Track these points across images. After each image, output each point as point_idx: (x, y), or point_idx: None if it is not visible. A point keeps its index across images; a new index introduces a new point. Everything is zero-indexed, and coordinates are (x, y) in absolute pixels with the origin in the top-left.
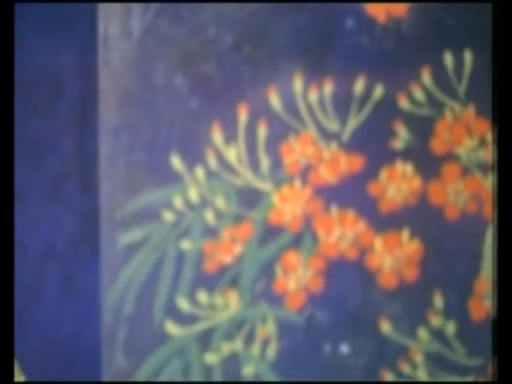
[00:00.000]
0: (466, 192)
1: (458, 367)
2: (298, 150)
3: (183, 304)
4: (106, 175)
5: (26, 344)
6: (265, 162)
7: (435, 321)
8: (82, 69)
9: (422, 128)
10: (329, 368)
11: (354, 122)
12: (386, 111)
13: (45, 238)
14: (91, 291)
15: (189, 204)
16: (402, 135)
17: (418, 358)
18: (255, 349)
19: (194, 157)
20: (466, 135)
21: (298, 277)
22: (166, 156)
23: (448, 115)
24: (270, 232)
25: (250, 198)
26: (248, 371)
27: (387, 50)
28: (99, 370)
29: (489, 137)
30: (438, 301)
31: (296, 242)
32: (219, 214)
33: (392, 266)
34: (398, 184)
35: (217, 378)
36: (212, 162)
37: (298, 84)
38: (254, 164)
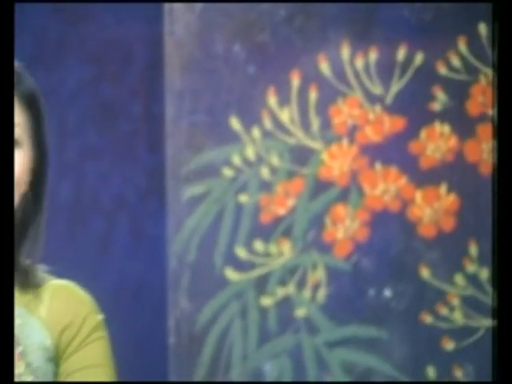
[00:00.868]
0: None
1: (491, 309)
2: (345, 112)
3: (241, 252)
4: (171, 135)
5: (99, 288)
6: (315, 122)
7: (470, 267)
8: (150, 39)
9: (459, 92)
10: (373, 310)
11: (396, 86)
12: (426, 77)
13: (116, 192)
14: (158, 240)
15: (246, 161)
16: (440, 98)
17: (455, 301)
18: (306, 293)
19: (250, 118)
20: None
21: (345, 227)
22: (226, 117)
23: (482, 80)
24: (319, 186)
25: (302, 156)
26: (300, 313)
27: (427, 20)
28: (165, 312)
29: None
30: (473, 249)
31: (343, 195)
32: (274, 170)
33: (431, 217)
34: (436, 143)
35: (271, 319)
36: (267, 122)
37: (345, 52)
38: (306, 125)
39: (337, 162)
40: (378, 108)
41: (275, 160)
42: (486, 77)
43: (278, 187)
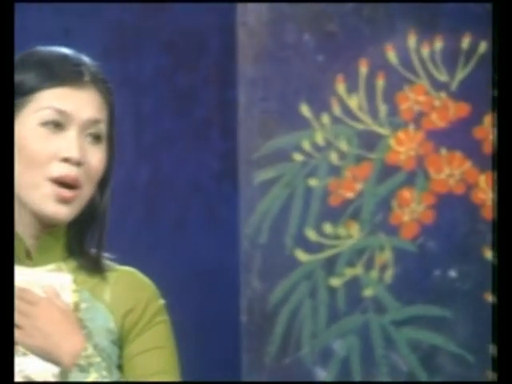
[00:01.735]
0: None
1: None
2: (412, 99)
3: (311, 234)
4: (243, 121)
5: (174, 270)
6: (383, 109)
7: None
8: (223, 28)
9: None
10: (438, 291)
11: (461, 74)
12: (490, 65)
13: (191, 176)
14: (231, 222)
15: (316, 146)
16: None
17: None
18: (374, 273)
19: (320, 105)
20: None
21: (411, 210)
22: (296, 104)
23: None
24: (387, 171)
25: (370, 141)
26: (367, 293)
27: (490, 10)
28: (237, 293)
29: None
30: None
31: (410, 179)
32: (342, 155)
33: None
34: None
35: (340, 299)
36: (336, 109)
37: (411, 41)
38: (373, 111)
39: (403, 147)
40: (443, 95)
41: (344, 145)
42: None
43: (347, 171)
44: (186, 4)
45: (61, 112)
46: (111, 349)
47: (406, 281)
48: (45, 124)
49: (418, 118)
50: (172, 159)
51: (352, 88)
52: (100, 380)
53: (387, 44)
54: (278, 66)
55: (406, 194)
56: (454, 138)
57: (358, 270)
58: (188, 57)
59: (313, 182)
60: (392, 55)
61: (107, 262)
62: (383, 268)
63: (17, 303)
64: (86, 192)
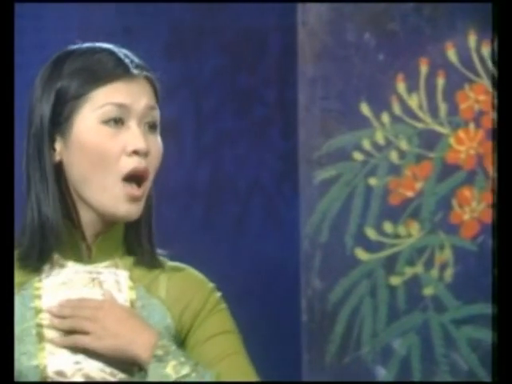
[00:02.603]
0: None
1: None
2: (472, 98)
3: (371, 233)
4: (303, 121)
5: (234, 269)
6: (443, 108)
7: None
8: (283, 28)
9: None
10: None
11: None
12: None
13: (251, 176)
14: (291, 222)
15: (376, 145)
16: None
17: None
18: (434, 272)
19: (380, 104)
20: None
21: (471, 209)
22: (356, 103)
23: None
24: (447, 170)
25: (430, 140)
26: (427, 292)
27: None
28: (298, 292)
29: None
30: None
31: (470, 178)
32: (402, 154)
33: None
34: None
35: (400, 297)
36: (396, 108)
37: (472, 39)
38: (433, 110)
39: (463, 146)
40: None
41: (404, 144)
42: None
43: (407, 170)
44: (247, 4)
45: (120, 106)
46: (168, 345)
47: (466, 279)
48: (106, 121)
49: (478, 117)
50: (232, 159)
51: (412, 87)
52: (179, 367)
53: (447, 43)
54: (339, 66)
55: (466, 192)
56: None
57: (418, 269)
58: (248, 56)
59: (373, 181)
60: (452, 54)
61: (160, 259)
62: (443, 267)
63: (80, 312)
64: (149, 184)
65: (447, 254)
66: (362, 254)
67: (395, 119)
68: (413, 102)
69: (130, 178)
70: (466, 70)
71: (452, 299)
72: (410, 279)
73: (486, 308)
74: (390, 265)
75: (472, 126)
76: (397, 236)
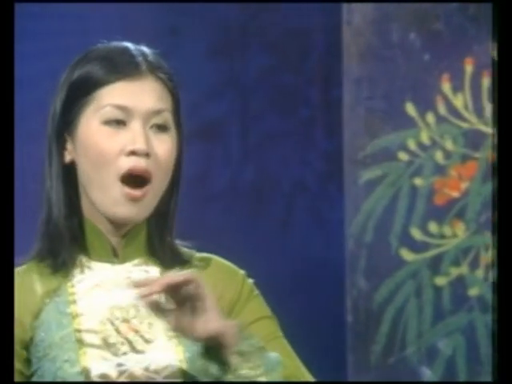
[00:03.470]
0: None
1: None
2: None
3: (416, 233)
4: (348, 121)
5: (280, 269)
6: (488, 108)
7: None
8: (328, 28)
9: None
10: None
11: None
12: None
13: (296, 176)
14: (336, 222)
15: (421, 145)
16: None
17: None
18: (479, 273)
19: (425, 104)
20: None
21: None
22: (401, 103)
23: None
24: (492, 170)
25: (475, 140)
26: (473, 292)
27: None
28: (343, 292)
29: None
30: None
31: None
32: (448, 154)
33: None
34: None
35: (445, 298)
36: (441, 108)
37: None
38: (479, 110)
39: None
40: None
41: (449, 144)
42: None
43: (452, 171)
44: (292, 4)
45: (121, 108)
46: None
47: None
48: (107, 122)
49: None
50: (277, 159)
51: (457, 87)
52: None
53: (492, 43)
54: (384, 65)
55: None
56: None
57: (464, 269)
58: (293, 56)
59: (418, 181)
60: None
61: (187, 251)
62: (488, 267)
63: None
64: (158, 185)
65: (492, 255)
66: (407, 254)
67: (440, 119)
68: (458, 101)
69: (129, 178)
70: None
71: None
72: (455, 279)
73: None
74: (435, 265)
75: None
76: (442, 236)
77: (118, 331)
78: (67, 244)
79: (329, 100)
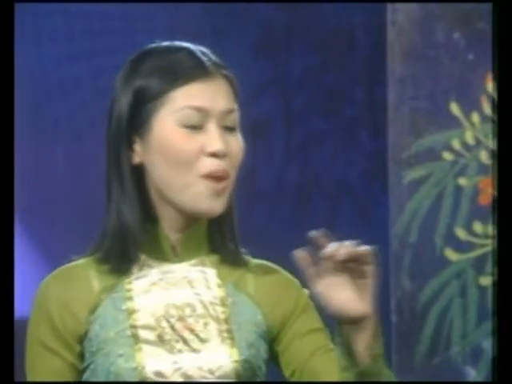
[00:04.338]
0: None
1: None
2: None
3: (461, 233)
4: (392, 121)
5: None
6: None
7: None
8: (372, 27)
9: None
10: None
11: None
12: None
13: (340, 176)
14: (380, 222)
15: (466, 145)
16: None
17: None
18: None
19: (470, 103)
20: None
21: None
22: (446, 103)
23: None
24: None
25: None
26: None
27: None
28: (387, 292)
29: None
30: None
31: None
32: (492, 154)
33: None
34: None
35: (489, 298)
36: (486, 107)
37: None
38: None
39: None
40: None
41: (494, 144)
42: None
43: None
44: (336, 3)
45: (198, 109)
46: (259, 342)
47: None
48: (184, 123)
49: None
50: (321, 159)
51: None
52: None
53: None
54: (428, 65)
55: None
56: None
57: None
58: (337, 56)
59: (462, 181)
60: None
61: (244, 256)
62: None
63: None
64: (231, 183)
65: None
66: (451, 254)
67: (485, 119)
68: None
69: (209, 177)
70: None
71: None
72: None
73: None
74: (480, 265)
75: None
76: (487, 236)
77: (173, 329)
78: (138, 245)
79: (373, 100)
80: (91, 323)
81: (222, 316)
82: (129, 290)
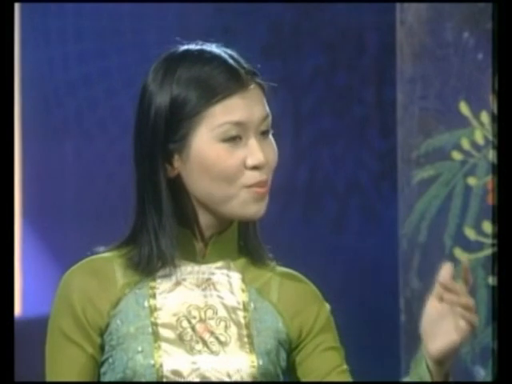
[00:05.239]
0: None
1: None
2: None
3: (470, 233)
4: (402, 120)
5: (332, 268)
6: None
7: None
8: (382, 27)
9: None
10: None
11: None
12: None
13: (349, 175)
14: (389, 221)
15: (475, 145)
16: None
17: None
18: None
19: (479, 103)
20: None
21: None
22: (455, 103)
23: None
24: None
25: None
26: None
27: None
28: (396, 292)
29: None
30: None
31: None
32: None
33: None
34: None
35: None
36: (495, 107)
37: None
38: None
39: None
40: None
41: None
42: None
43: None
44: (345, 3)
45: (238, 124)
46: (278, 349)
47: None
48: (225, 139)
49: None
50: (330, 159)
51: None
52: None
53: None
54: (437, 65)
55: None
56: None
57: None
58: (347, 56)
59: (472, 181)
60: None
61: (271, 262)
62: None
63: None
64: (270, 184)
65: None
66: (460, 254)
67: (494, 118)
68: None
69: (253, 186)
70: None
71: None
72: None
73: None
74: (489, 265)
75: None
76: (496, 236)
77: (193, 330)
78: (174, 253)
79: (382, 99)
80: (113, 317)
81: (243, 321)
82: (152, 288)
